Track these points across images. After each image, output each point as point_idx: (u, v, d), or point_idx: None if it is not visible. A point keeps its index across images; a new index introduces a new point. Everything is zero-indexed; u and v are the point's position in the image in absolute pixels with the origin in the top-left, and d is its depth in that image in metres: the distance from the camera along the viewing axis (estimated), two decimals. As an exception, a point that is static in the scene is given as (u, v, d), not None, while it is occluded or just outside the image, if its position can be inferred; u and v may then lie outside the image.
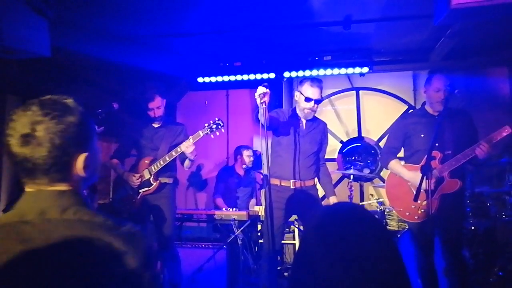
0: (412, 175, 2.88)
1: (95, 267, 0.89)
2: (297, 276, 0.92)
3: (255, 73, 4.86)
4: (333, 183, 5.29)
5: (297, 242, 4.45)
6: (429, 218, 2.65)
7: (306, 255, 0.92)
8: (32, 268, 0.86)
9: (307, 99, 3.06)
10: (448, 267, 2.80)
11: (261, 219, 4.12)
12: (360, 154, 5.27)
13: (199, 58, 4.78)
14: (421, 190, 2.62)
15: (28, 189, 0.98)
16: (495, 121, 2.72)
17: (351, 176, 4.38)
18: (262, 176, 4.91)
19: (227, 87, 5.66)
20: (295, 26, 3.70)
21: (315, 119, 3.24)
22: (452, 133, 2.84)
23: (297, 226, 4.28)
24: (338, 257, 0.85)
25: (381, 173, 5.12)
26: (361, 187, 5.17)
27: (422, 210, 2.83)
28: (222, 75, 4.94)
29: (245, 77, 4.91)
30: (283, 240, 3.51)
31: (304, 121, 3.18)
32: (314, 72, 4.64)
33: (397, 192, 3.00)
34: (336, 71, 4.65)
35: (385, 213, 4.08)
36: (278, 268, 4.01)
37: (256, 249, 4.11)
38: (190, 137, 3.21)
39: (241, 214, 3.92)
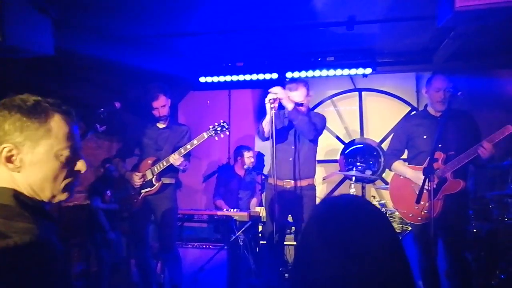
0: (416, 174, 2.87)
1: None
2: (297, 274, 0.86)
3: (257, 73, 4.84)
4: (335, 184, 5.36)
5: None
6: (431, 220, 2.64)
7: (305, 251, 0.87)
8: None
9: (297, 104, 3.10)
10: (450, 269, 2.80)
11: (262, 220, 4.12)
12: (362, 156, 5.26)
13: (202, 58, 4.77)
14: (424, 191, 2.61)
15: None
16: (501, 123, 2.70)
17: (353, 178, 4.36)
18: (263, 177, 4.89)
19: (229, 87, 5.65)
20: (298, 26, 3.69)
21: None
22: (455, 133, 2.83)
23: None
24: (337, 253, 0.79)
25: (383, 175, 5.11)
26: (363, 188, 5.15)
27: (425, 212, 2.82)
28: (225, 75, 4.92)
29: (248, 77, 4.89)
30: (285, 241, 3.50)
31: None
32: (317, 73, 4.63)
33: (401, 193, 2.99)
34: (339, 72, 4.63)
35: (387, 215, 4.08)
36: (280, 269, 4.00)
37: (257, 250, 4.10)
38: (176, 152, 3.20)
39: (242, 215, 3.92)
